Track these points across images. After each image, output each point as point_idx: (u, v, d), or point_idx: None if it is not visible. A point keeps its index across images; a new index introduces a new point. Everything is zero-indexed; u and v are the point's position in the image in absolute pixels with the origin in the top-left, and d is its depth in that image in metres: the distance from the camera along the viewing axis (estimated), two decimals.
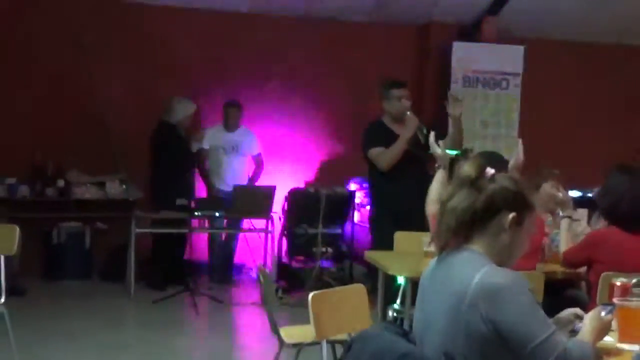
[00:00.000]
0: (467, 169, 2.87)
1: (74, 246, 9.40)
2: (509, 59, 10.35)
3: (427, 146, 6.25)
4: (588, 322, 2.92)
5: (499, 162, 4.71)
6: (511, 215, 2.81)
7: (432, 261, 2.94)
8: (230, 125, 9.40)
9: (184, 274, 8.73)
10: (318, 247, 8.94)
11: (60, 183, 9.37)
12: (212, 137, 9.41)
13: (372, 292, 6.20)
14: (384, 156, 7.07)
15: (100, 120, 9.33)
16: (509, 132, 10.33)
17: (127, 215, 8.70)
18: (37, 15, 9.46)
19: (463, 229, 2.82)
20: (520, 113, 10.37)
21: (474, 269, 2.71)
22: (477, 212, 2.81)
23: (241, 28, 10.04)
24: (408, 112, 7.10)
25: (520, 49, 10.30)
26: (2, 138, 9.15)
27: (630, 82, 10.92)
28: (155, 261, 9.00)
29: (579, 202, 6.19)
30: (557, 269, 5.18)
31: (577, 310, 3.12)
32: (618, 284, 3.45)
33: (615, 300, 3.27)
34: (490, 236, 2.82)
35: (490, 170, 2.88)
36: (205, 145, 9.39)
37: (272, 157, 9.84)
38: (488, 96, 10.37)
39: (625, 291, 3.41)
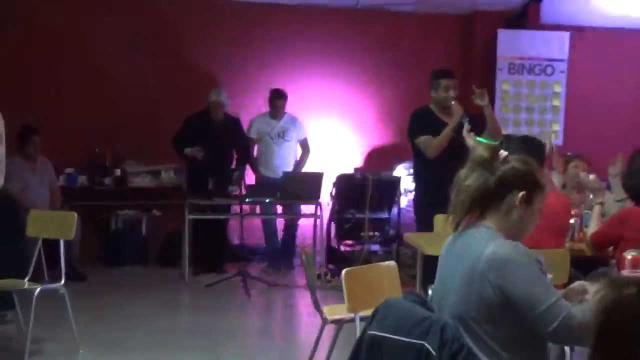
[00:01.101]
0: (481, 151, 3.13)
1: (131, 233, 9.78)
2: (554, 45, 10.48)
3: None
4: (593, 291, 3.15)
5: (532, 146, 4.96)
6: (521, 193, 3.06)
7: (450, 237, 3.20)
8: (276, 113, 9.64)
9: (235, 258, 9.03)
10: (365, 231, 9.19)
11: (117, 172, 9.74)
12: (258, 126, 9.65)
13: (415, 276, 6.51)
14: (431, 144, 7.25)
15: (156, 112, 9.71)
16: (555, 119, 10.48)
17: (181, 202, 9.02)
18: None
19: (477, 207, 3.09)
20: (565, 99, 10.50)
21: (486, 242, 2.97)
22: (490, 191, 3.06)
23: (294, 20, 10.34)
24: (453, 102, 7.29)
25: (565, 35, 10.42)
26: (62, 130, 9.50)
27: None
28: (194, 246, 9.23)
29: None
30: (585, 247, 5.37)
31: (585, 282, 3.35)
32: (629, 257, 3.66)
33: (624, 272, 3.48)
34: (502, 213, 3.07)
35: (504, 153, 3.13)
36: (253, 134, 9.63)
37: (320, 143, 10.09)
38: (533, 83, 10.51)
39: (636, 263, 3.62)
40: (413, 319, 2.97)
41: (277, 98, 9.61)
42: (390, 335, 2.97)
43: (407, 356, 2.91)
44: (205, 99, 9.25)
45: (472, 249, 2.99)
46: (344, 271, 4.23)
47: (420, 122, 7.42)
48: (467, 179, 3.10)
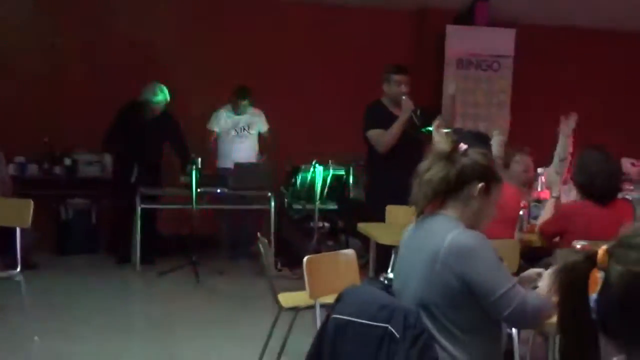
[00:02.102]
0: (443, 144, 3.28)
1: (81, 222, 9.80)
2: (500, 42, 10.70)
3: (421, 127, 6.79)
4: (546, 277, 3.33)
5: (481, 140, 5.14)
6: (480, 185, 3.22)
7: (411, 225, 3.36)
8: (240, 111, 9.70)
9: (187, 247, 9.11)
10: (315, 222, 9.33)
11: (68, 162, 9.75)
12: (222, 120, 9.71)
13: (365, 266, 6.65)
14: (382, 138, 7.47)
15: (106, 101, 9.71)
16: (501, 113, 10.69)
17: (132, 192, 9.04)
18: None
19: (438, 197, 3.24)
20: (511, 94, 10.73)
21: (447, 231, 3.13)
22: (450, 182, 3.22)
23: (246, 12, 10.41)
24: (404, 97, 7.50)
25: (512, 32, 10.65)
26: (12, 119, 9.50)
27: (619, 67, 11.30)
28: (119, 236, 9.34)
29: None
30: (534, 238, 5.57)
31: (539, 269, 3.53)
32: (578, 246, 3.86)
33: None
34: (462, 203, 3.23)
35: (464, 146, 3.29)
36: (215, 127, 9.70)
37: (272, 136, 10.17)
38: (480, 78, 10.73)
39: None
40: (377, 304, 3.11)
41: (242, 98, 9.65)
42: (355, 319, 3.11)
43: (372, 339, 3.04)
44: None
45: (434, 237, 3.15)
46: (305, 258, 4.37)
47: (373, 116, 7.62)
48: (429, 170, 3.24)
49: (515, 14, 10.66)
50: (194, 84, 9.94)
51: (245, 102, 9.67)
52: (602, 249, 1.77)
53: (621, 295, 1.71)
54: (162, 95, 9.13)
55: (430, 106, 7.53)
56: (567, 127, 6.21)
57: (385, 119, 7.51)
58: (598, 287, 1.78)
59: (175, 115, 9.30)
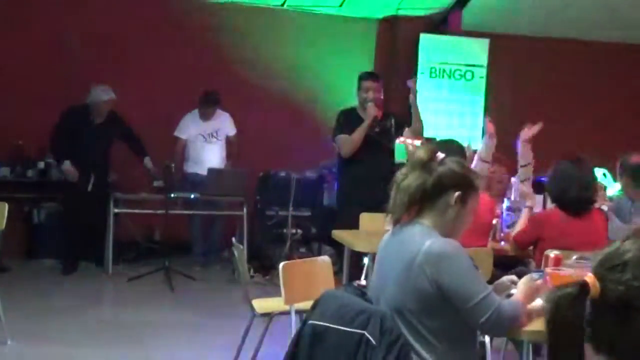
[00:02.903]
0: (420, 153, 3.32)
1: (53, 226, 9.72)
2: (474, 51, 10.76)
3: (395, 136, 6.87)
4: (521, 285, 3.38)
5: (455, 150, 5.20)
6: (457, 193, 3.26)
7: (388, 233, 3.39)
8: (207, 116, 9.65)
9: (159, 252, 9.08)
10: (288, 228, 9.34)
11: (41, 165, 9.71)
12: (190, 126, 9.64)
13: (338, 273, 6.69)
14: (345, 143, 7.55)
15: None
16: (474, 123, 10.76)
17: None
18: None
19: (415, 205, 3.27)
20: (484, 104, 10.80)
21: (423, 239, 3.17)
22: (427, 191, 3.25)
23: (221, 17, 10.39)
24: (370, 103, 7.58)
25: (485, 41, 10.71)
26: None
27: (591, 77, 11.42)
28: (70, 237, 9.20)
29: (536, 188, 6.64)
30: (507, 247, 5.62)
31: (513, 277, 3.58)
32: (552, 255, 3.91)
33: (547, 269, 3.72)
34: (438, 212, 3.27)
35: (441, 155, 3.33)
36: (182, 134, 9.63)
37: (245, 141, 10.14)
38: (454, 87, 10.78)
39: (558, 262, 3.87)
40: (354, 310, 3.13)
41: (208, 105, 9.61)
42: (332, 325, 3.13)
43: (348, 345, 3.07)
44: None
45: (410, 245, 3.18)
46: (281, 264, 4.39)
47: (342, 121, 7.72)
48: (406, 179, 3.28)
49: (488, 23, 10.73)
50: (160, 88, 9.92)
51: (213, 108, 9.65)
52: (590, 278, 1.76)
53: (620, 309, 1.73)
54: (109, 94, 9.04)
55: (404, 114, 7.57)
56: (526, 134, 6.25)
57: (356, 125, 7.58)
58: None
59: (120, 113, 9.24)
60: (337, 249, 8.05)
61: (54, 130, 9.02)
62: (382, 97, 7.78)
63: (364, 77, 7.86)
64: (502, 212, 6.04)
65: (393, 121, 7.61)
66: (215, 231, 9.78)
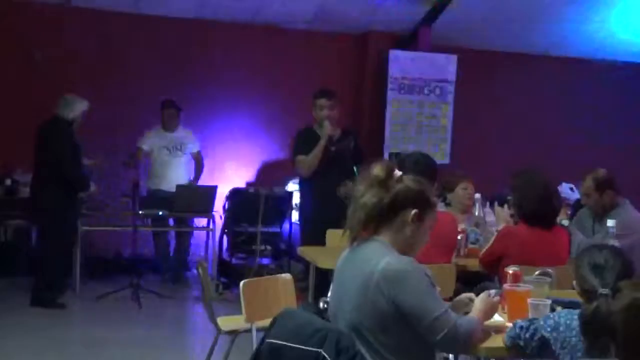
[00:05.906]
0: (377, 170, 3.32)
1: (20, 244, 9.63)
2: (442, 67, 10.80)
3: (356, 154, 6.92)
4: (478, 302, 3.39)
5: (422, 163, 5.21)
6: (414, 211, 3.26)
7: (346, 250, 3.38)
8: (168, 125, 9.55)
9: (127, 270, 9.02)
10: (257, 244, 9.33)
11: (8, 182, 9.62)
12: (153, 138, 9.54)
13: (307, 289, 6.67)
14: (303, 163, 7.58)
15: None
16: (443, 138, 10.81)
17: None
18: None
19: (372, 223, 3.28)
20: (452, 119, 10.85)
21: (380, 256, 3.17)
22: (384, 208, 3.25)
23: (188, 33, 10.36)
24: (325, 121, 7.59)
25: (453, 57, 10.76)
26: None
27: (558, 92, 11.53)
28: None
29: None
30: (471, 262, 5.63)
31: (471, 294, 3.58)
32: (510, 272, 3.93)
33: (505, 285, 3.73)
34: (395, 229, 3.27)
35: (398, 172, 3.33)
36: (146, 146, 9.52)
37: (213, 158, 10.13)
38: (423, 102, 10.81)
39: (517, 278, 3.88)
40: (310, 328, 3.13)
41: (170, 112, 9.53)
42: (289, 344, 3.12)
43: None
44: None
45: (367, 263, 3.18)
46: (242, 282, 4.38)
47: (300, 141, 7.76)
48: (363, 196, 3.28)
49: (457, 40, 10.79)
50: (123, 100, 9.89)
51: (175, 117, 9.56)
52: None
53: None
54: (84, 100, 8.47)
55: (371, 129, 7.63)
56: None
57: (313, 144, 7.59)
58: None
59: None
60: (307, 265, 8.03)
61: (67, 160, 8.21)
62: (336, 114, 7.78)
63: (317, 95, 7.85)
64: (466, 229, 6.05)
65: (353, 140, 7.67)
66: (183, 248, 9.73)
